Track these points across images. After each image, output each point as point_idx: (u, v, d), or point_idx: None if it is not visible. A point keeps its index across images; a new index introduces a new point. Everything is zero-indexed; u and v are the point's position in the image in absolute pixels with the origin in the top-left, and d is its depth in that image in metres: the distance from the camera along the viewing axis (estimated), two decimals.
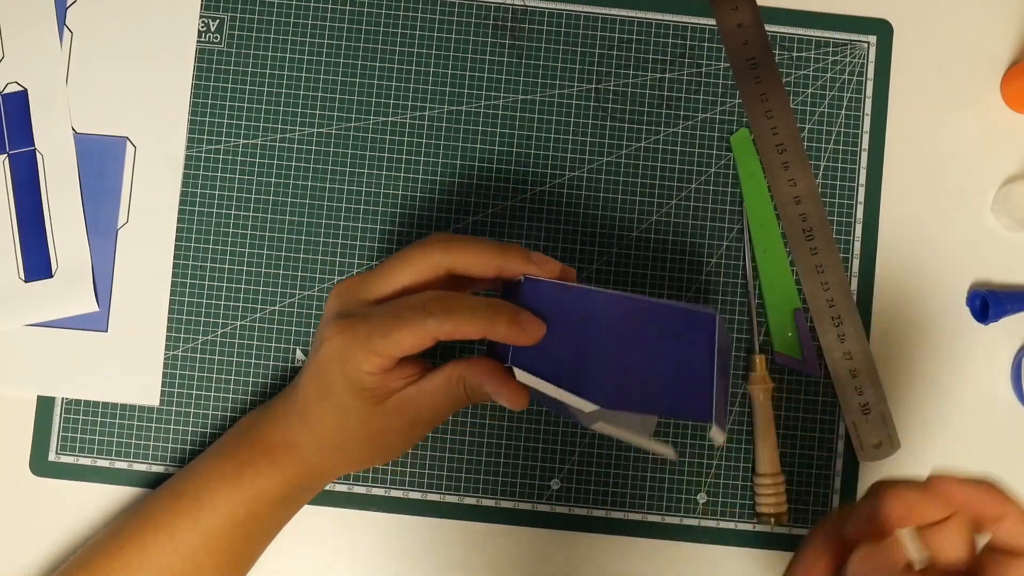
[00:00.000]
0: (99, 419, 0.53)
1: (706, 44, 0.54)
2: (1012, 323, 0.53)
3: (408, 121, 0.54)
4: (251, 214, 0.53)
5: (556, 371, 0.41)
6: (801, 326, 0.53)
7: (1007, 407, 0.53)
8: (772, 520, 0.52)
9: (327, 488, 0.52)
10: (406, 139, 0.54)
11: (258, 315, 0.53)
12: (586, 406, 0.41)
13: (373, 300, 0.43)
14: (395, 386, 0.43)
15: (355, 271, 0.53)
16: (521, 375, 0.42)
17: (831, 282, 0.53)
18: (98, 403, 0.53)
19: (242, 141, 0.54)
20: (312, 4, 0.54)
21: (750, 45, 0.54)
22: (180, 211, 0.54)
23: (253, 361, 0.53)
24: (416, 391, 0.43)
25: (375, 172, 0.54)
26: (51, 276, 0.53)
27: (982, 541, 0.32)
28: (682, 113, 0.54)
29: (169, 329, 0.53)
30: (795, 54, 0.54)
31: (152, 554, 0.46)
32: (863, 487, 0.53)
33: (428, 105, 0.54)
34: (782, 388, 0.53)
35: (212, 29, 0.54)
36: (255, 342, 0.53)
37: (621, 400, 0.41)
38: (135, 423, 0.53)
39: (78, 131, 0.54)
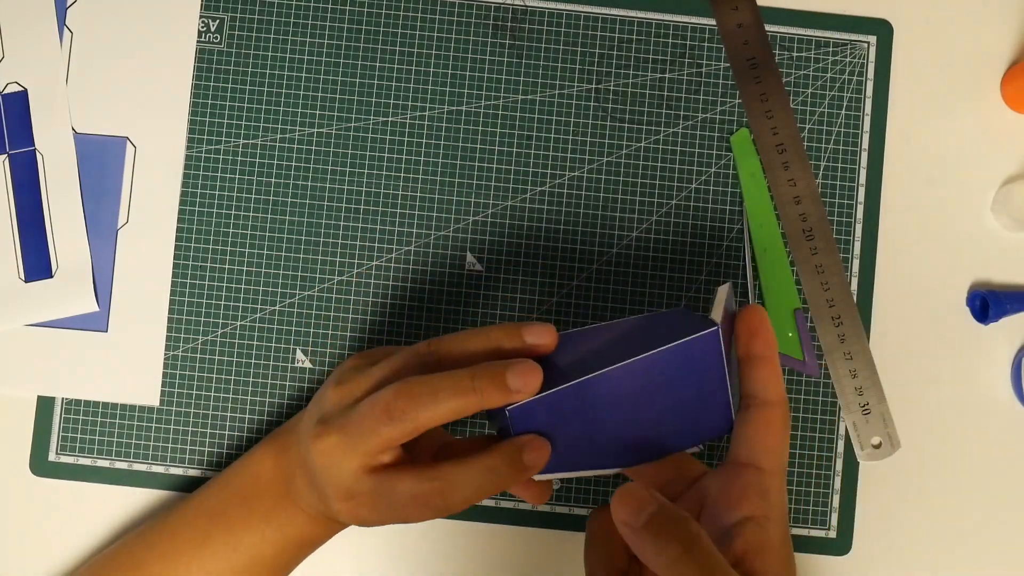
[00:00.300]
0: (99, 419, 0.53)
1: (706, 44, 0.54)
2: (1012, 323, 0.53)
3: (408, 121, 0.54)
4: (251, 214, 0.53)
5: (574, 461, 0.39)
6: (801, 326, 0.53)
7: (1007, 407, 0.53)
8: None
9: None
10: (406, 139, 0.54)
11: (258, 315, 0.53)
12: (611, 472, 0.40)
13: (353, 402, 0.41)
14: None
15: (355, 271, 0.53)
16: (540, 476, 0.40)
17: (831, 282, 0.53)
18: (98, 403, 0.53)
19: (242, 141, 0.54)
20: (312, 4, 0.54)
21: (750, 45, 0.54)
22: (180, 211, 0.54)
23: (253, 361, 0.53)
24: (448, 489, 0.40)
25: (375, 172, 0.54)
26: (51, 276, 0.53)
27: None
28: (682, 113, 0.54)
29: (169, 329, 0.53)
30: (795, 54, 0.54)
31: None
32: (863, 487, 0.53)
33: (428, 105, 0.54)
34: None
35: (212, 29, 0.54)
36: (255, 342, 0.53)
37: (646, 456, 0.40)
38: (135, 423, 0.53)
39: (78, 131, 0.54)
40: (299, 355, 0.53)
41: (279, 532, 0.45)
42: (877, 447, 0.52)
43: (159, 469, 0.52)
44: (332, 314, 0.53)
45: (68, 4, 0.54)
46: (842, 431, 0.53)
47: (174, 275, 0.53)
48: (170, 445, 0.53)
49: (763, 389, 0.39)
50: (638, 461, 0.40)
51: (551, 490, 0.40)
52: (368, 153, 0.54)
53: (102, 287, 0.53)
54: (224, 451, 0.53)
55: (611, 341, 0.41)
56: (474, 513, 0.52)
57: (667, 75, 0.54)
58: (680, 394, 0.39)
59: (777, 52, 0.54)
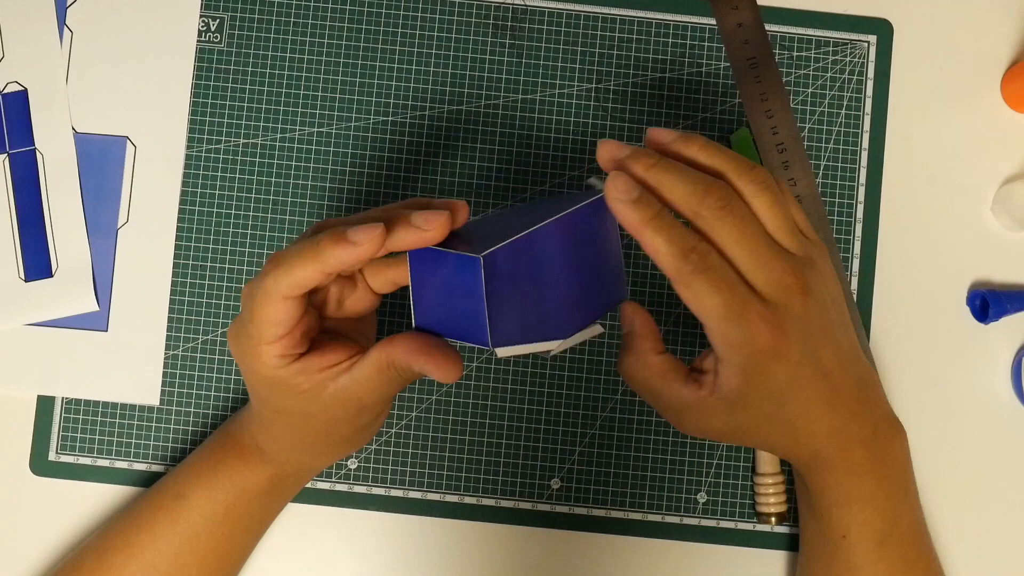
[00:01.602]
0: (99, 419, 0.53)
1: (706, 44, 0.54)
2: (1012, 323, 0.53)
3: (408, 121, 0.54)
4: (251, 214, 0.53)
5: (449, 325, 0.40)
6: None
7: (1007, 407, 0.53)
8: (773, 519, 0.52)
9: (327, 488, 0.52)
10: (406, 139, 0.54)
11: None
12: (552, 346, 0.40)
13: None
14: (323, 377, 0.41)
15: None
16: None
17: None
18: (98, 403, 0.53)
19: (242, 141, 0.54)
20: (312, 4, 0.54)
21: (750, 45, 0.54)
22: (180, 211, 0.54)
23: None
24: (350, 381, 0.41)
25: (375, 172, 0.54)
26: (51, 276, 0.53)
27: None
28: (682, 113, 0.54)
29: (169, 329, 0.53)
30: (795, 54, 0.54)
31: (136, 553, 0.46)
32: None
33: (428, 105, 0.54)
34: None
35: (212, 29, 0.54)
36: None
37: (574, 326, 0.41)
38: (135, 423, 0.53)
39: (78, 131, 0.54)
40: None
41: (226, 484, 0.47)
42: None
43: (159, 469, 0.52)
44: None
45: (68, 4, 0.54)
46: None
47: (174, 275, 0.53)
48: (170, 445, 0.53)
49: (659, 267, 0.39)
50: (569, 334, 0.41)
51: (460, 369, 0.40)
52: (368, 153, 0.54)
53: (102, 287, 0.53)
54: None
55: (516, 219, 0.41)
56: (474, 513, 0.52)
57: (667, 75, 0.54)
58: (589, 259, 0.40)
59: (777, 52, 0.54)
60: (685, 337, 0.53)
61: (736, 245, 0.39)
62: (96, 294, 0.53)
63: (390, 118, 0.54)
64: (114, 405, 0.53)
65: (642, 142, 0.54)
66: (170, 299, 0.53)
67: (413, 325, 0.40)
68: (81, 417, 0.53)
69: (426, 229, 0.38)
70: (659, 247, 0.38)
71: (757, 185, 0.40)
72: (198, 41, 0.54)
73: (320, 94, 0.54)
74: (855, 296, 0.53)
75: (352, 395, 0.41)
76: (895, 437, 0.46)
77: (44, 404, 0.53)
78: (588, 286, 0.41)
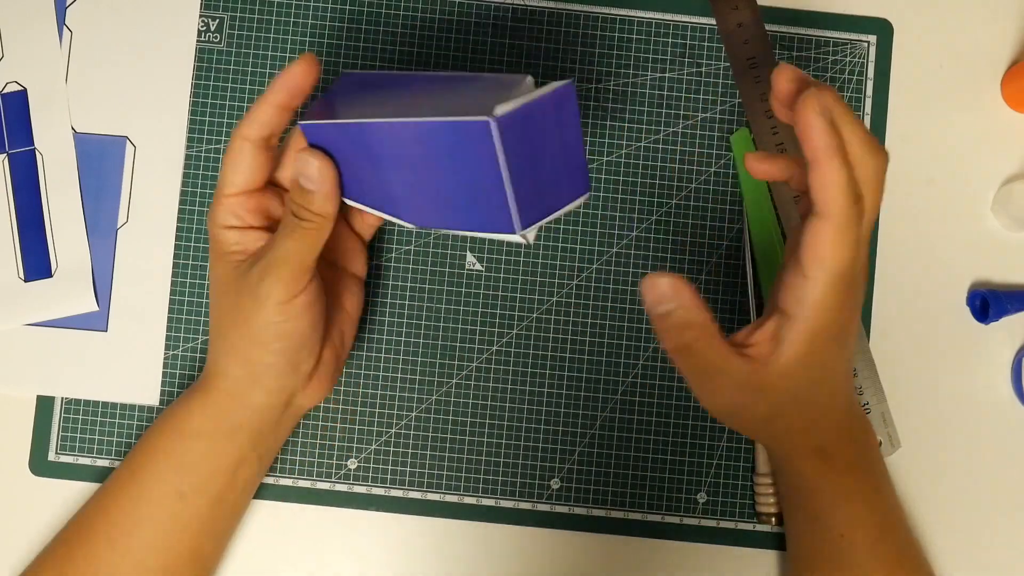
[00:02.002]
0: (99, 419, 0.53)
1: (706, 44, 0.54)
2: (1012, 323, 0.53)
3: None
4: None
5: (369, 197, 0.42)
6: None
7: (1007, 407, 0.53)
8: (772, 520, 0.52)
9: (327, 488, 0.52)
10: None
11: None
12: (409, 225, 0.41)
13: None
14: (258, 245, 0.44)
15: None
16: (350, 202, 0.43)
17: None
18: (98, 403, 0.53)
19: None
20: (312, 4, 0.54)
21: (750, 44, 0.54)
22: (180, 211, 0.54)
23: None
24: (267, 242, 0.43)
25: None
26: (51, 276, 0.53)
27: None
28: (682, 113, 0.54)
29: (169, 329, 0.53)
30: (795, 54, 0.54)
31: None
32: None
33: None
34: None
35: (212, 29, 0.54)
36: None
37: (435, 220, 0.41)
38: (135, 423, 0.53)
39: (78, 131, 0.54)
40: None
41: (171, 420, 0.47)
42: (878, 447, 0.52)
43: None
44: None
45: (68, 3, 0.54)
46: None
47: (174, 275, 0.53)
48: None
49: (816, 198, 0.37)
50: (430, 225, 0.41)
51: (334, 175, 0.43)
52: None
53: (102, 287, 0.53)
54: None
55: (426, 92, 0.41)
56: (474, 513, 0.52)
57: (667, 75, 0.54)
58: (459, 175, 0.39)
59: (777, 52, 0.54)
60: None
61: (854, 123, 0.38)
62: (96, 294, 0.53)
63: None
64: (114, 405, 0.53)
65: (641, 142, 0.54)
66: (170, 299, 0.53)
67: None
68: (81, 417, 0.53)
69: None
70: (836, 180, 0.37)
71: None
72: (198, 41, 0.54)
73: (319, 94, 0.54)
74: None
75: (268, 258, 0.42)
76: (870, 429, 0.47)
77: (44, 404, 0.53)
78: (451, 194, 0.40)
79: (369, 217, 0.48)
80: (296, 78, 0.42)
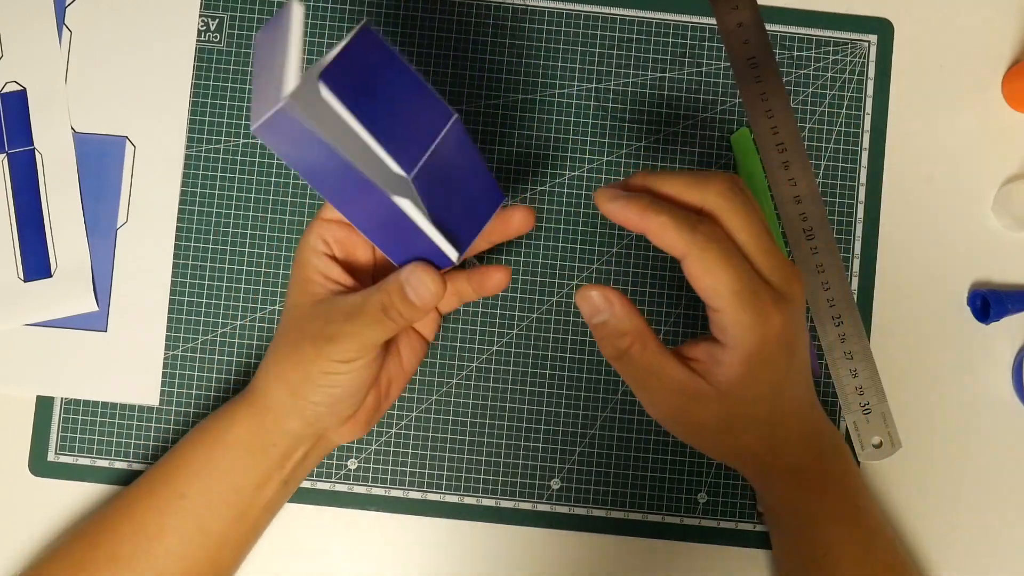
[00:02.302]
0: (99, 419, 0.53)
1: (706, 44, 0.54)
2: (1012, 323, 0.53)
3: None
4: (251, 214, 0.53)
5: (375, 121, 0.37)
6: None
7: (1008, 407, 0.53)
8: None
9: (327, 488, 0.52)
10: None
11: (258, 315, 0.53)
12: (396, 168, 0.37)
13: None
14: (339, 282, 0.43)
15: None
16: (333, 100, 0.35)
17: (831, 282, 0.53)
18: (98, 403, 0.53)
19: (242, 141, 0.54)
20: (312, 4, 0.54)
21: (750, 44, 0.54)
22: (180, 211, 0.53)
23: (253, 361, 0.53)
24: (350, 303, 0.42)
25: None
26: (50, 276, 0.53)
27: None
28: (682, 113, 0.54)
29: (169, 329, 0.53)
30: (795, 53, 0.54)
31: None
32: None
33: None
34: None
35: (212, 28, 0.54)
36: (255, 342, 0.53)
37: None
38: (135, 423, 0.53)
39: (78, 131, 0.54)
40: None
41: (213, 431, 0.47)
42: (878, 447, 0.52)
43: None
44: None
45: (67, 3, 0.54)
46: (843, 430, 0.53)
47: (174, 275, 0.53)
48: (170, 445, 0.52)
49: (669, 250, 0.39)
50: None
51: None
52: None
53: (102, 287, 0.53)
54: None
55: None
56: (474, 513, 0.52)
57: (667, 75, 0.54)
58: (460, 175, 0.39)
59: (777, 52, 0.54)
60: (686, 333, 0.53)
61: (742, 231, 0.39)
62: (95, 294, 0.53)
63: None
64: (113, 405, 0.53)
65: (641, 142, 0.54)
66: (170, 299, 0.53)
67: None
68: (80, 417, 0.53)
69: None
70: (666, 224, 0.38)
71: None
72: (198, 41, 0.54)
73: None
74: (856, 296, 0.53)
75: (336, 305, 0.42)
76: (840, 441, 0.47)
77: (43, 404, 0.53)
78: (457, 200, 0.40)
79: (454, 295, 0.48)
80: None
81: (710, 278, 0.38)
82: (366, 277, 0.45)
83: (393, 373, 0.48)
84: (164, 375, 0.53)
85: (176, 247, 0.53)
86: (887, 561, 0.46)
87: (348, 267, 0.44)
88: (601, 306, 0.40)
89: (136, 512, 0.46)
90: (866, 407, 0.52)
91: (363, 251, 0.45)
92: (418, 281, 0.40)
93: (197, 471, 0.46)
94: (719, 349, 0.40)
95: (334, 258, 0.44)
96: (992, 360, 0.53)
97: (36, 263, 0.53)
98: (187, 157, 0.54)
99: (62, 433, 0.53)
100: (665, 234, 0.38)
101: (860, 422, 0.52)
